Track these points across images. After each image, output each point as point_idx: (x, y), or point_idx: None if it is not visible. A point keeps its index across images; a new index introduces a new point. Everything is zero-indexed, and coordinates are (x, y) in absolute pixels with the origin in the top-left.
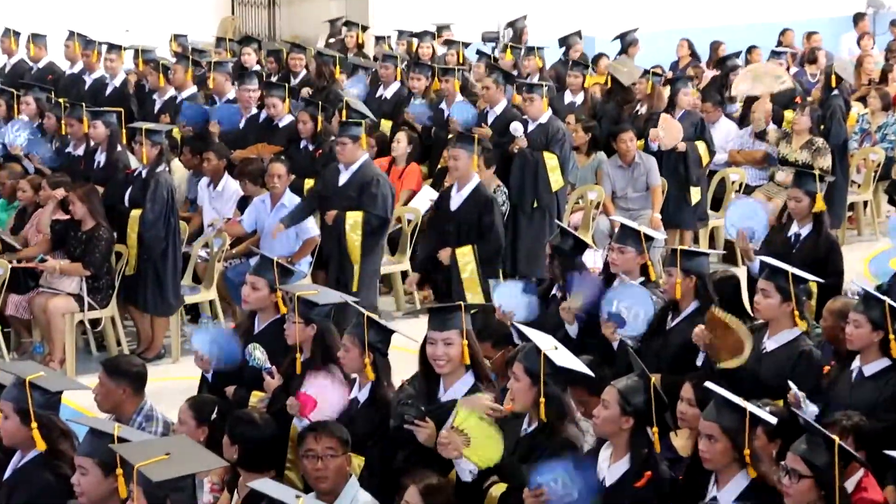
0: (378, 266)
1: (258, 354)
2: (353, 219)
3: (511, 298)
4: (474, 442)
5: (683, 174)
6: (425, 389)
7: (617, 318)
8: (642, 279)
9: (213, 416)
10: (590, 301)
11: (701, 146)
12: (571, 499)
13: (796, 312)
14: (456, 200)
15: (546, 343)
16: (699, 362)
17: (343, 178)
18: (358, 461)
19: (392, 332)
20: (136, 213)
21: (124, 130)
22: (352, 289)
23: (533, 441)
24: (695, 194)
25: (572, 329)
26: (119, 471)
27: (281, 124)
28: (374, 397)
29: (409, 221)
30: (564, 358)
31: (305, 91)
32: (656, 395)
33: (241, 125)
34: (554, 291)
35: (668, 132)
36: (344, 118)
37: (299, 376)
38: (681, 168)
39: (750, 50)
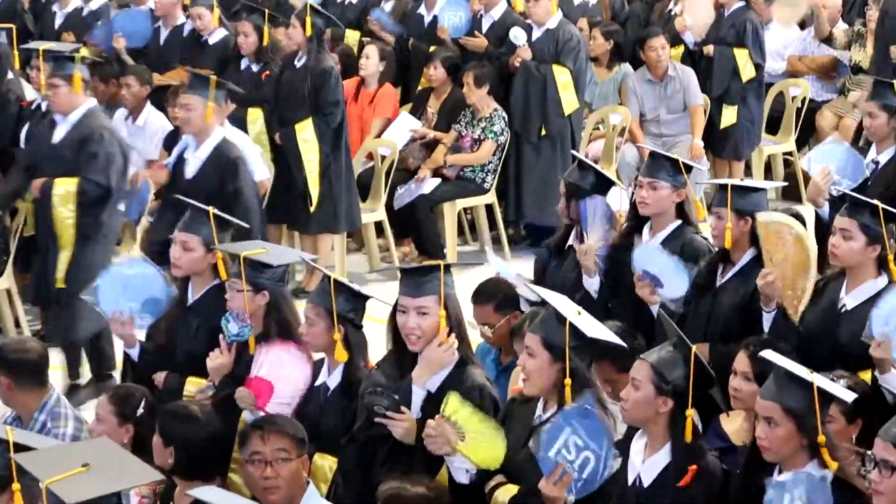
0: (101, 260)
1: (231, 326)
2: (65, 188)
3: (657, 263)
4: (471, 437)
5: (727, 86)
6: (397, 371)
7: (652, 276)
8: (679, 223)
9: (140, 410)
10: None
11: (741, 55)
12: (598, 461)
13: (890, 257)
14: (193, 165)
15: (567, 307)
16: (766, 325)
17: (58, 134)
18: (329, 462)
19: (366, 298)
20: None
21: (16, 52)
22: (53, 285)
23: None
24: (728, 115)
25: (592, 284)
26: (16, 486)
27: (211, 41)
28: (348, 382)
29: (384, 158)
30: (592, 326)
31: None
32: (699, 368)
33: (162, 40)
34: (570, 241)
35: (693, 13)
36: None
37: (249, 359)
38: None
39: None
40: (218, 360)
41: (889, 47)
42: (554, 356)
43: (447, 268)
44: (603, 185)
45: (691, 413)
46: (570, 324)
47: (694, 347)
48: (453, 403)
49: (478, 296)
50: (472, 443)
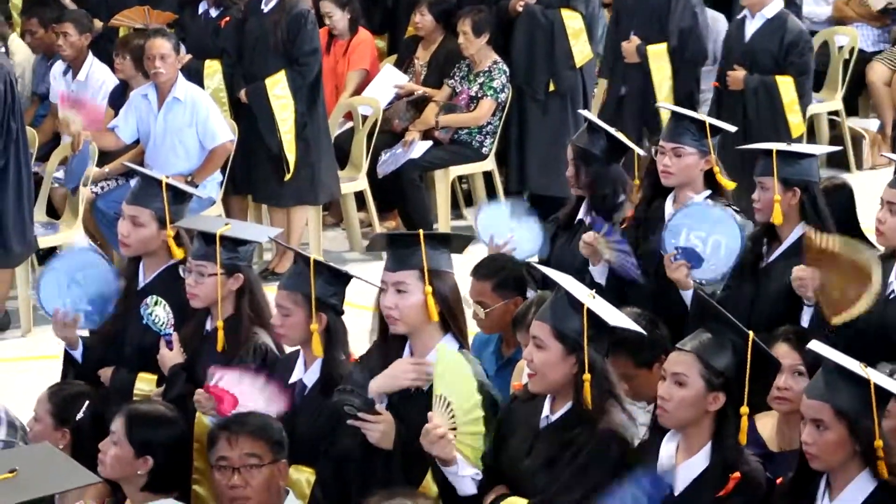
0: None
1: (159, 312)
2: None
3: (502, 226)
4: (463, 426)
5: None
6: (381, 365)
7: (689, 253)
8: (709, 193)
9: (81, 413)
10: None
11: None
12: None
13: None
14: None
15: (580, 290)
16: (805, 320)
17: None
18: (307, 475)
19: (349, 278)
20: None
21: None
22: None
23: (562, 436)
24: None
25: (598, 271)
26: None
27: None
28: (327, 379)
29: (364, 118)
30: (610, 312)
31: None
32: (757, 354)
33: None
34: (580, 216)
35: None
36: None
37: (214, 354)
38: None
39: None
40: (170, 356)
41: None
42: (567, 348)
43: (433, 238)
44: (617, 149)
45: (746, 411)
46: (588, 310)
47: (751, 333)
48: (444, 372)
49: (477, 270)
50: (465, 432)
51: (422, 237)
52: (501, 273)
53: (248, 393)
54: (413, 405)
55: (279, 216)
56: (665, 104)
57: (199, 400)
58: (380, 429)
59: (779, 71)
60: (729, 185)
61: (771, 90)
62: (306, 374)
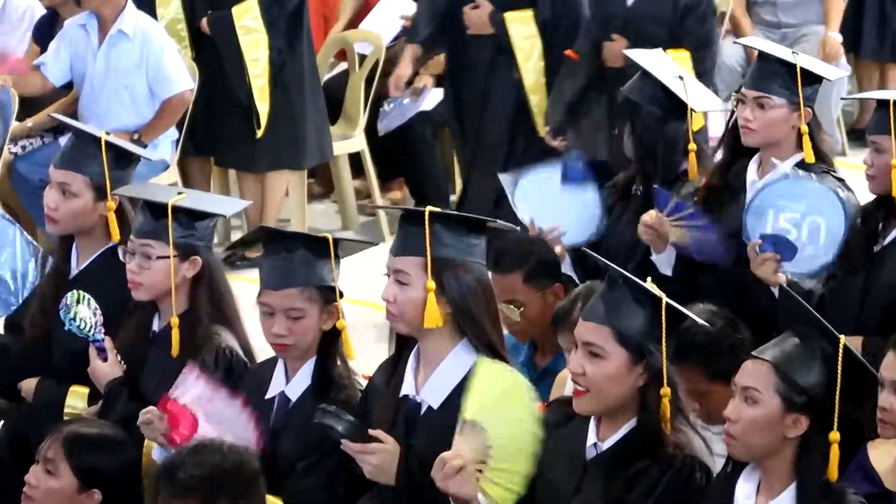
0: None
1: (83, 311)
2: None
3: (547, 201)
4: (497, 460)
5: None
6: (391, 367)
7: (779, 242)
8: (799, 157)
9: None
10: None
11: None
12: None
13: None
14: None
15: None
16: None
17: None
18: None
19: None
20: None
21: None
22: None
23: (622, 469)
24: None
25: (664, 260)
26: None
27: None
28: (325, 384)
29: (363, 59)
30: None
31: None
32: (850, 368)
33: None
34: (634, 189)
35: None
36: None
37: (164, 362)
38: None
39: None
40: (103, 369)
41: None
42: (634, 355)
43: (443, 218)
44: (676, 104)
45: (837, 438)
46: (668, 306)
47: (842, 338)
48: (480, 395)
49: (499, 261)
50: (501, 469)
51: (426, 216)
52: (531, 259)
53: (216, 415)
54: (421, 427)
55: (251, 184)
56: (750, 40)
57: (148, 420)
58: (373, 462)
59: (672, 43)
60: (810, 155)
61: None
62: (290, 384)
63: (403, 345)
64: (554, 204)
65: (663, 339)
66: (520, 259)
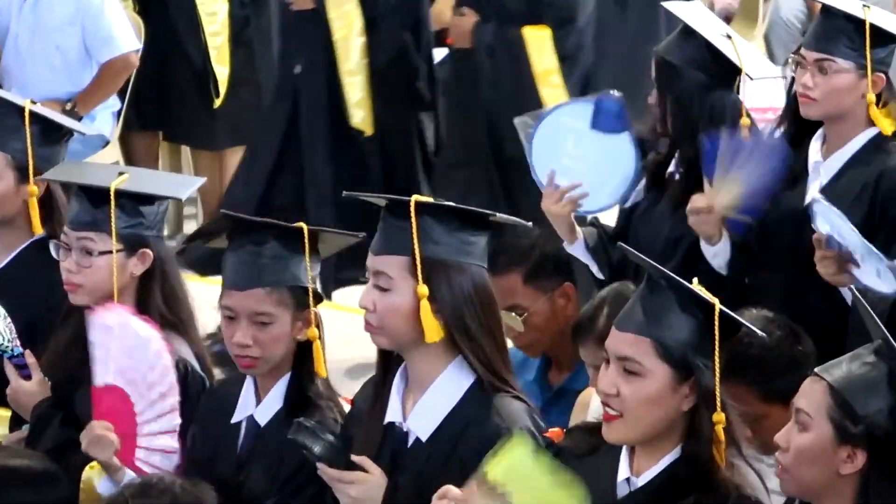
0: None
1: None
2: None
3: (570, 150)
4: None
5: None
6: (375, 388)
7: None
8: (874, 132)
9: None
10: (760, 191)
11: None
12: None
13: None
14: None
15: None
16: None
17: None
18: None
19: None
20: None
21: None
22: None
23: None
24: None
25: (717, 253)
26: None
27: None
28: (296, 408)
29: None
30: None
31: None
32: None
33: None
34: (672, 169)
35: None
36: None
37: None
38: None
39: None
40: (26, 390)
41: None
42: (679, 372)
43: (435, 209)
44: (720, 71)
45: None
46: (721, 312)
47: None
48: (512, 462)
49: (493, 257)
50: None
51: (412, 207)
52: (532, 254)
53: (137, 343)
54: (408, 461)
55: (207, 164)
56: None
57: (95, 438)
58: (352, 493)
59: (530, 18)
60: (886, 126)
61: (514, 48)
62: (260, 407)
63: (389, 362)
64: (578, 154)
65: (716, 353)
66: (518, 255)
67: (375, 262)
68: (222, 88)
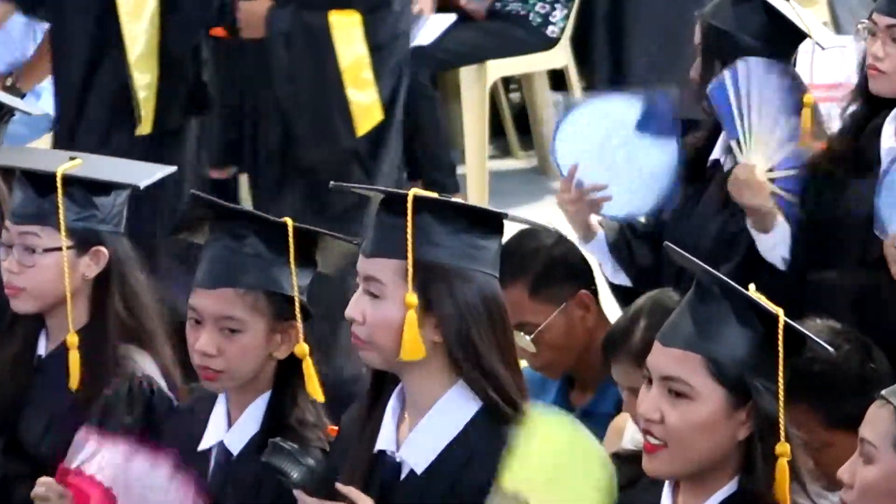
0: None
1: None
2: None
3: (604, 148)
4: None
5: None
6: (365, 412)
7: None
8: None
9: None
10: (788, 135)
11: None
12: None
13: None
14: None
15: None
16: None
17: None
18: None
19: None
20: None
21: None
22: None
23: None
24: None
25: (774, 244)
26: None
27: None
28: (274, 434)
29: None
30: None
31: None
32: None
33: None
34: (716, 155)
35: None
36: None
37: (57, 398)
38: None
39: None
40: None
41: None
42: (736, 396)
43: (436, 207)
44: (780, 40)
45: None
46: (787, 326)
47: None
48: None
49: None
50: None
51: (409, 202)
52: (536, 260)
53: (138, 488)
54: (400, 497)
55: None
56: None
57: (43, 497)
58: None
59: (336, 1)
60: None
61: (316, 37)
62: (231, 431)
63: (381, 383)
64: (612, 153)
65: (780, 373)
66: (521, 263)
67: (366, 266)
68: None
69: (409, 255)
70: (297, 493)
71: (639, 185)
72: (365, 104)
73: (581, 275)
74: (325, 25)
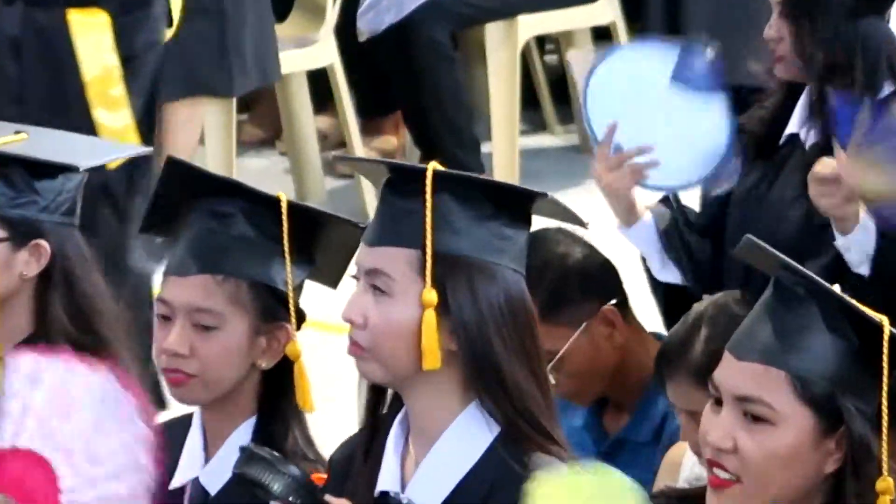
0: None
1: None
2: None
3: (641, 105)
4: None
5: None
6: (364, 442)
7: None
8: None
9: None
10: None
11: None
12: None
13: None
14: None
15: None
16: None
17: None
18: None
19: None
20: None
21: None
22: None
23: None
24: None
25: (849, 244)
26: None
27: None
28: (256, 461)
29: None
30: None
31: None
32: None
33: None
34: (794, 129)
35: None
36: None
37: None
38: None
39: None
40: None
41: None
42: (825, 421)
43: (451, 182)
44: None
45: None
46: (892, 335)
47: None
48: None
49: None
50: None
51: (429, 178)
52: (544, 280)
53: (87, 415)
54: None
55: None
56: None
57: None
58: None
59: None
60: None
61: (53, 42)
62: (209, 466)
63: (381, 404)
64: (651, 111)
65: (884, 394)
66: (528, 280)
67: (371, 258)
68: (175, 18)
69: (429, 242)
70: None
71: (684, 149)
72: (116, 128)
73: (603, 285)
74: (64, 27)
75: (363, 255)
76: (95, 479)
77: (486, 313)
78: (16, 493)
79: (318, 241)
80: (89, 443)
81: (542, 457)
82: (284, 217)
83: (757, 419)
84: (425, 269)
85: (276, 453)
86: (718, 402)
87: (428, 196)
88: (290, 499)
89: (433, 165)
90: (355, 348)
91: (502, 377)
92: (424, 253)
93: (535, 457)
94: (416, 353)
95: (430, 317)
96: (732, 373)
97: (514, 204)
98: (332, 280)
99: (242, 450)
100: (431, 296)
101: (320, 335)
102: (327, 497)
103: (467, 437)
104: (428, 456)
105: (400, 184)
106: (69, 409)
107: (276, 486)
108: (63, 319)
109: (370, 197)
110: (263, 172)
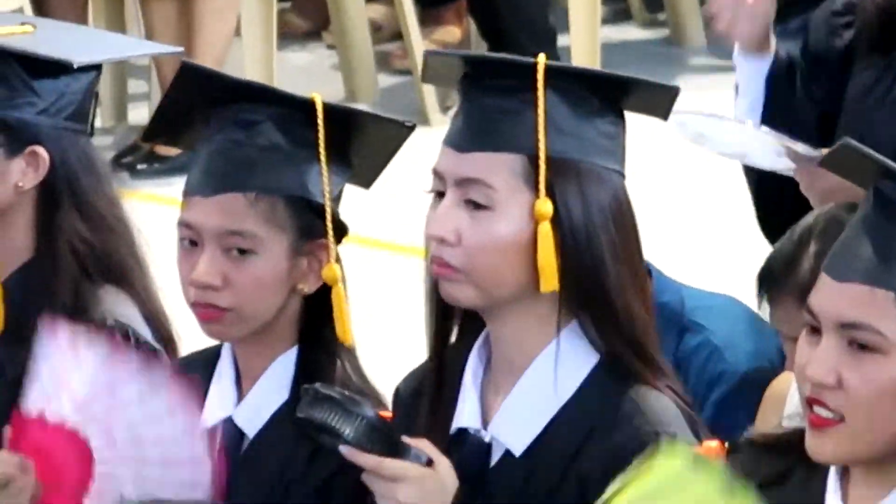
0: None
1: None
2: None
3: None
4: None
5: None
6: (434, 375)
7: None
8: None
9: None
10: None
11: None
12: None
13: None
14: None
15: None
16: None
17: None
18: None
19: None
20: None
21: None
22: None
23: None
24: None
25: None
26: None
27: None
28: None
29: None
30: None
31: None
32: None
33: None
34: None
35: None
36: None
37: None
38: None
39: None
40: None
41: None
42: None
43: (562, 77)
44: None
45: None
46: None
47: None
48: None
49: None
50: None
51: (540, 70)
52: None
53: (129, 427)
54: (492, 486)
55: (166, 12)
56: None
57: (3, 479)
58: (402, 497)
59: None
60: None
61: None
62: (243, 404)
63: (451, 332)
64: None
65: None
66: None
67: (464, 166)
68: None
69: (542, 145)
70: (347, 451)
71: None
72: None
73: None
74: None
75: (450, 164)
76: (140, 461)
77: (598, 224)
78: (41, 465)
79: (357, 144)
80: (133, 425)
81: (649, 391)
82: (321, 122)
83: (864, 348)
84: (536, 176)
85: (346, 392)
86: (816, 332)
87: (540, 94)
88: (364, 444)
89: (543, 58)
90: (445, 269)
91: (610, 298)
92: (536, 158)
93: (641, 390)
94: (521, 273)
95: (546, 230)
96: (832, 297)
97: (616, 98)
98: (367, 181)
99: (305, 391)
100: (546, 207)
101: (361, 250)
102: (404, 438)
103: (563, 366)
104: (515, 388)
105: (495, 77)
106: (112, 388)
107: (348, 431)
108: (70, 240)
109: (430, 98)
110: (308, 68)
